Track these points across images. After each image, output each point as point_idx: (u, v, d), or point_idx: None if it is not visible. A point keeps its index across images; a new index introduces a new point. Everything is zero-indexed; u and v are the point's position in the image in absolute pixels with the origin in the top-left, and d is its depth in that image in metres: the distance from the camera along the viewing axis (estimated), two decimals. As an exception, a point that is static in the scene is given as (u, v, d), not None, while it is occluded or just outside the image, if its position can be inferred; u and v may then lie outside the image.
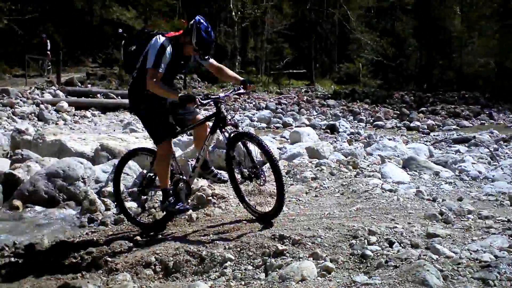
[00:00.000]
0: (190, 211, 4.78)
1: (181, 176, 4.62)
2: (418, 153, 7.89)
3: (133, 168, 6.23)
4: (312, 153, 7.07)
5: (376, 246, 3.39)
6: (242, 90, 4.51)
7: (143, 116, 4.64)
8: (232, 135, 4.32)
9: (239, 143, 4.37)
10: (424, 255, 3.13)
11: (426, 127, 13.51)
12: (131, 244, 4.18)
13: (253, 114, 16.02)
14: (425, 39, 27.19)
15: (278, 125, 14.23)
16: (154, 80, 4.24)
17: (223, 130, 4.39)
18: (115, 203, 5.45)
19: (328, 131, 12.35)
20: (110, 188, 5.75)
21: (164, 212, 4.65)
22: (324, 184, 5.49)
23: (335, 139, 10.73)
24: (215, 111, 4.48)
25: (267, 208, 4.38)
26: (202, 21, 4.32)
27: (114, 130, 12.16)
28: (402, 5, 27.97)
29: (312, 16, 29.53)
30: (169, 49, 4.32)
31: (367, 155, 7.65)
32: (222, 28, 26.90)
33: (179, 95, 4.26)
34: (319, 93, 23.95)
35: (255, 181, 4.25)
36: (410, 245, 3.40)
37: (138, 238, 4.33)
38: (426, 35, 27.01)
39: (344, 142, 10.10)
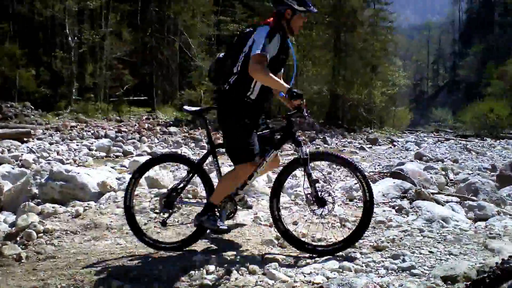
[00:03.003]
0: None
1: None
2: (257, 179, 8.01)
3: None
4: (151, 182, 6.85)
5: (214, 275, 3.39)
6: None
7: (231, 128, 4.01)
8: (309, 152, 3.97)
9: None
10: (260, 281, 3.14)
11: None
12: None
13: (91, 143, 15.29)
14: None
15: (118, 153, 13.77)
16: (261, 65, 3.74)
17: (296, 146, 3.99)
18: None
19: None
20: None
21: (195, 227, 4.13)
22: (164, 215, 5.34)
23: (176, 167, 10.58)
24: (285, 124, 4.07)
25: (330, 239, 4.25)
26: None
27: None
28: (242, 33, 28.91)
29: (153, 43, 29.42)
30: (277, 37, 3.88)
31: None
32: (58, 54, 25.65)
33: (288, 87, 3.80)
34: (160, 121, 23.76)
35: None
36: (247, 272, 3.43)
37: None
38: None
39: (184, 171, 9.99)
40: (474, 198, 6.72)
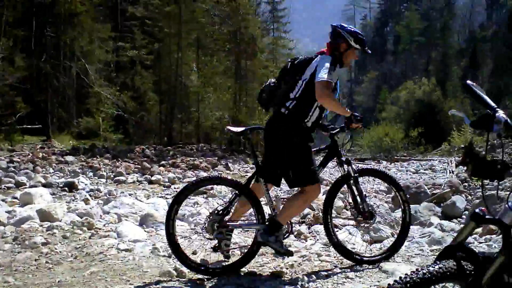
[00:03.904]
0: None
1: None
2: (157, 208, 7.85)
3: None
4: (43, 215, 6.51)
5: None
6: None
7: (295, 152, 4.10)
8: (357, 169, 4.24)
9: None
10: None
11: (167, 180, 13.58)
12: None
13: (-23, 175, 14.32)
14: (164, 94, 28.13)
15: (10, 185, 12.97)
16: (328, 91, 3.93)
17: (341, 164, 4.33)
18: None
19: (66, 189, 11.66)
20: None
21: (259, 246, 4.16)
22: (56, 249, 5.05)
23: (73, 198, 10.15)
24: (330, 143, 4.39)
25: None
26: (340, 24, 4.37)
27: None
28: (141, 60, 28.53)
29: (48, 69, 28.35)
30: (337, 67, 4.13)
31: (104, 213, 7.34)
32: None
33: (351, 112, 4.11)
34: (56, 149, 22.81)
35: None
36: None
37: None
38: (165, 89, 28.00)
39: (82, 201, 9.62)
40: (370, 221, 6.93)
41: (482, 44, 62.61)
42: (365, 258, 4.44)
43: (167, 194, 11.18)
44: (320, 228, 6.14)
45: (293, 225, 4.52)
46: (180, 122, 28.87)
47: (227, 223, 4.22)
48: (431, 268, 1.73)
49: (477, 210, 1.85)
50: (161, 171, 15.30)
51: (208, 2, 29.92)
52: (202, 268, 4.16)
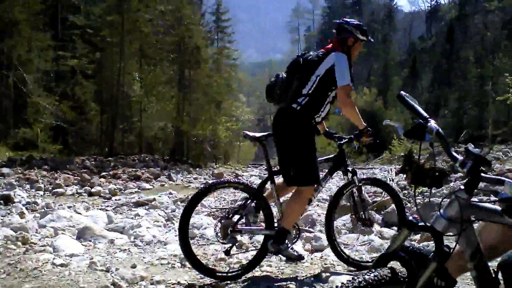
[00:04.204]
0: None
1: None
2: (96, 221, 7.67)
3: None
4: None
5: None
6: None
7: (300, 149, 4.14)
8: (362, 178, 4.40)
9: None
10: None
11: (108, 191, 13.33)
12: None
13: None
14: (106, 103, 27.61)
15: None
16: (351, 98, 4.06)
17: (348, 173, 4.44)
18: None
19: (2, 202, 11.23)
20: None
21: (273, 254, 4.36)
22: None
23: (8, 212, 9.77)
24: (338, 153, 4.45)
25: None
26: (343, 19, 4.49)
27: None
28: (83, 69, 27.91)
29: (-16, 78, 27.41)
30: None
31: (40, 227, 7.10)
32: None
33: (365, 125, 4.27)
34: (-10, 161, 22.01)
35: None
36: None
37: None
38: (107, 99, 27.49)
39: (17, 214, 9.27)
40: (311, 229, 6.99)
41: (421, 55, 64.60)
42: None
43: (108, 206, 10.95)
44: (261, 238, 6.13)
45: (301, 229, 4.71)
46: (121, 132, 28.39)
47: (240, 228, 4.22)
48: (366, 276, 1.76)
49: (410, 218, 1.89)
50: (101, 183, 14.99)
51: (152, 11, 29.62)
52: (217, 274, 4.15)
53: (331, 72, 4.12)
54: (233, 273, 4.21)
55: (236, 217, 4.23)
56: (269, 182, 4.38)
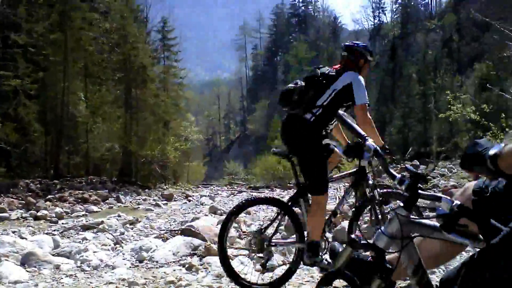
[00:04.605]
0: None
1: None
2: (42, 246, 7.47)
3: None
4: None
5: None
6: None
7: (309, 159, 4.30)
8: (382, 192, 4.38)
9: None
10: None
11: (54, 215, 12.97)
12: None
13: None
14: (50, 124, 26.95)
15: None
16: (370, 116, 4.25)
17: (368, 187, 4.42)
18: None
19: None
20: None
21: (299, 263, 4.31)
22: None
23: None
24: (359, 168, 4.44)
25: None
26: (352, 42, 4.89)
27: None
28: (25, 89, 27.15)
29: None
30: None
31: (-18, 254, 6.82)
32: None
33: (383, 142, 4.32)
34: None
35: None
36: None
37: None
38: (51, 120, 26.84)
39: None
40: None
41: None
42: None
43: (54, 230, 10.67)
44: (212, 259, 6.09)
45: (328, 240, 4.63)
46: (67, 153, 27.72)
47: (275, 241, 4.38)
48: None
49: (353, 236, 1.92)
50: (47, 206, 14.59)
51: (96, 30, 29.21)
52: (252, 286, 4.21)
53: (348, 88, 4.37)
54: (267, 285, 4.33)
55: (270, 231, 4.37)
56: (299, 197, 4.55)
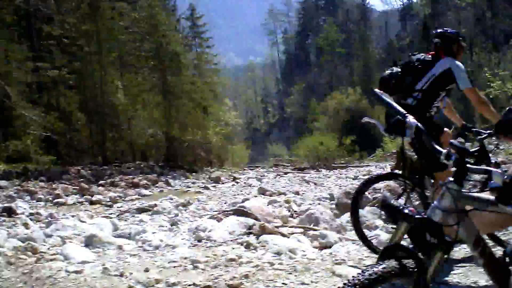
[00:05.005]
0: None
1: None
2: (102, 228, 7.65)
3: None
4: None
5: None
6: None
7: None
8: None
9: None
10: None
11: (108, 199, 13.25)
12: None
13: None
14: (92, 113, 27.40)
15: None
16: (482, 96, 4.37)
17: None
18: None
19: (5, 214, 11.11)
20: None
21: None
22: (3, 275, 4.85)
23: (13, 223, 9.70)
24: (479, 148, 4.48)
25: None
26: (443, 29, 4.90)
27: None
28: (63, 79, 27.62)
29: (-34, 94, 26.99)
30: None
31: (47, 237, 7.08)
32: None
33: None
34: (-16, 176, 21.74)
35: None
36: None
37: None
38: (93, 109, 27.28)
39: (22, 225, 9.21)
40: (316, 227, 7.04)
41: (400, 53, 64.72)
42: None
43: (111, 213, 10.93)
44: (268, 237, 6.15)
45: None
46: (112, 141, 28.22)
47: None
48: (375, 269, 1.77)
49: (406, 211, 1.91)
50: (100, 191, 14.90)
51: (127, 19, 29.40)
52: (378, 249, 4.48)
53: (447, 73, 4.50)
54: None
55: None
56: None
